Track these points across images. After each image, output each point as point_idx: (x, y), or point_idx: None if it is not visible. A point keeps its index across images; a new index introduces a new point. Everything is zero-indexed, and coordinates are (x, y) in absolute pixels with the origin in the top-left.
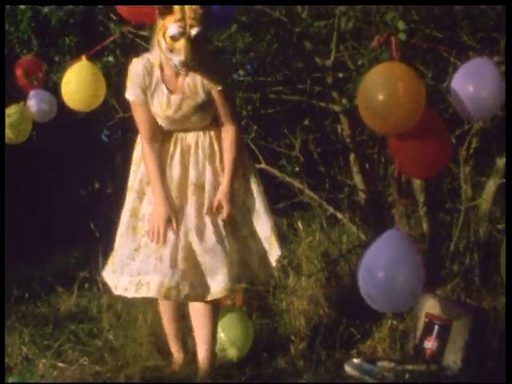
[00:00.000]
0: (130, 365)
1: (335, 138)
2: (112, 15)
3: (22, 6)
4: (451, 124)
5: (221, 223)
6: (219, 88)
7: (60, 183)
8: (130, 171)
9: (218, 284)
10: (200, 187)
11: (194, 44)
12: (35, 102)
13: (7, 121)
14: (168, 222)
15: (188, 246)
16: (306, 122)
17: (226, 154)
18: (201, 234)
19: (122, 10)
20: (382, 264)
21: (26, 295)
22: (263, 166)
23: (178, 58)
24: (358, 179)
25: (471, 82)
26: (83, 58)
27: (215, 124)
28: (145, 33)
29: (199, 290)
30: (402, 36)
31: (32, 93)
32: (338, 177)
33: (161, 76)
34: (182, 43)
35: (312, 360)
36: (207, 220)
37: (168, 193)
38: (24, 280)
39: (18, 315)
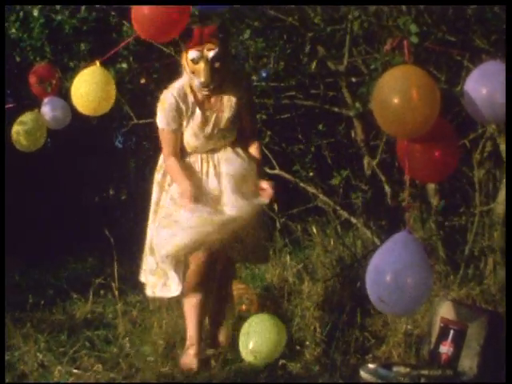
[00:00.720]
0: (145, 371)
1: (349, 143)
2: (125, 22)
3: (35, 13)
4: (465, 128)
5: None
6: (245, 100)
7: (75, 190)
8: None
9: None
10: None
11: (213, 65)
12: (49, 109)
13: (22, 128)
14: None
15: None
16: (320, 127)
17: (256, 157)
18: None
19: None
20: (391, 267)
21: (42, 302)
22: (277, 171)
23: (198, 80)
24: (372, 184)
25: (484, 86)
26: (97, 63)
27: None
28: None
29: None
30: (415, 39)
31: (46, 100)
32: (352, 181)
33: (194, 100)
34: (201, 66)
35: (327, 365)
36: None
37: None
38: (39, 287)
39: (33, 322)
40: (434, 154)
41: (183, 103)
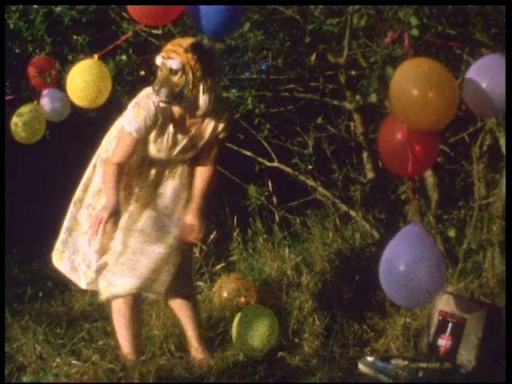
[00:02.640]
0: (144, 363)
1: (348, 136)
2: (124, 14)
3: (35, 6)
4: (464, 121)
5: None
6: (222, 136)
7: (73, 182)
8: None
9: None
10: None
11: (170, 77)
12: (48, 101)
13: (20, 120)
14: (112, 215)
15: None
16: (319, 120)
17: (202, 185)
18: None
19: (132, 11)
20: (402, 260)
21: (40, 294)
22: (276, 164)
23: (154, 88)
24: (371, 177)
25: (484, 79)
26: (95, 56)
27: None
28: (158, 31)
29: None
30: (415, 32)
31: (45, 92)
32: (351, 174)
33: (171, 115)
34: (161, 74)
35: (326, 358)
36: None
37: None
38: (38, 279)
39: (32, 314)
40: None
41: (160, 114)
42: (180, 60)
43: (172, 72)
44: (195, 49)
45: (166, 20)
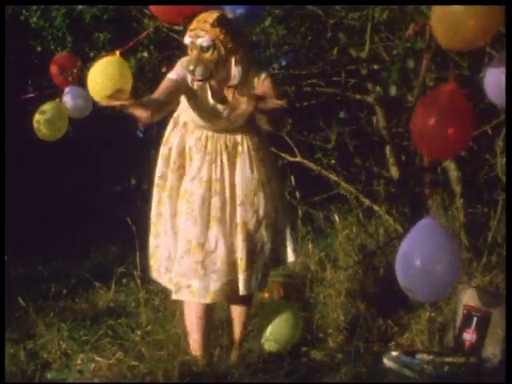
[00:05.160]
0: (168, 359)
1: (371, 130)
2: (146, 10)
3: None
4: (487, 114)
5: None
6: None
7: (96, 179)
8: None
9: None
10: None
11: (201, 54)
12: (70, 98)
13: (43, 118)
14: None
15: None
16: (342, 114)
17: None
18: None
19: (154, 9)
20: (419, 253)
21: (64, 291)
22: (299, 159)
23: (188, 68)
24: (394, 171)
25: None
26: (117, 53)
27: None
28: (179, 27)
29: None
30: None
31: (67, 89)
32: (374, 169)
33: (209, 85)
34: (193, 53)
35: (350, 353)
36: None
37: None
38: (62, 276)
39: (56, 311)
40: (448, 129)
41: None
42: (209, 36)
43: (203, 49)
44: (221, 22)
45: (184, 16)
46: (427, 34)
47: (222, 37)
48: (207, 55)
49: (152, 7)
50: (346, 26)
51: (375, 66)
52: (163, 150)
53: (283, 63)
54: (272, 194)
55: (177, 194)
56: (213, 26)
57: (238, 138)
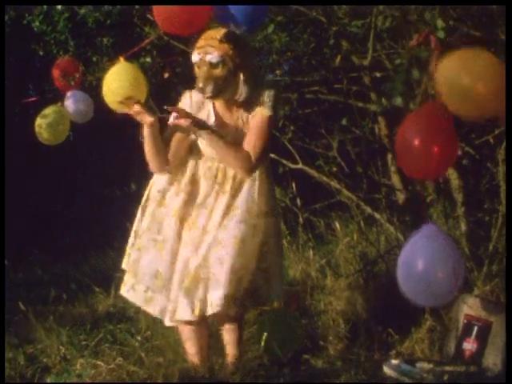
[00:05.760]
0: (167, 365)
1: (372, 138)
2: (149, 16)
3: (59, 7)
4: (489, 123)
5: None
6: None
7: (96, 184)
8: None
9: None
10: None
11: (211, 71)
12: (72, 103)
13: (44, 122)
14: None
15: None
16: (344, 121)
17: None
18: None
19: (159, 19)
20: (420, 259)
21: (64, 296)
22: (300, 166)
23: (197, 86)
24: (395, 179)
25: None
26: (121, 59)
27: None
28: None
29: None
30: (441, 34)
31: (69, 93)
32: (376, 177)
33: (213, 109)
34: (201, 70)
35: (350, 361)
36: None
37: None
38: (62, 281)
39: (55, 316)
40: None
41: (197, 109)
42: (218, 53)
43: (212, 66)
44: (229, 38)
45: (191, 30)
46: (432, 43)
47: (230, 52)
48: (217, 71)
49: (156, 18)
50: (349, 34)
51: (377, 74)
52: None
53: (285, 70)
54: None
55: (183, 218)
56: (221, 41)
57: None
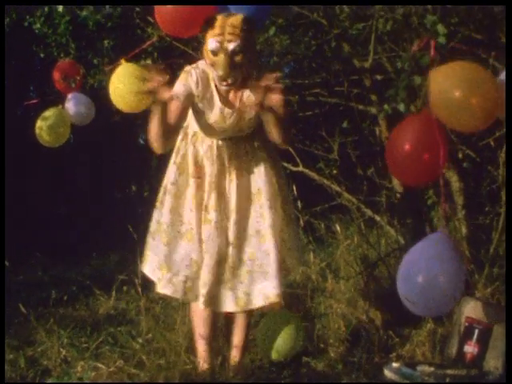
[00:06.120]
0: (168, 368)
1: (373, 141)
2: (150, 18)
3: (60, 10)
4: (490, 126)
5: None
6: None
7: (97, 186)
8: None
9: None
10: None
11: (233, 58)
12: (73, 105)
13: (45, 124)
14: None
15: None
16: (344, 124)
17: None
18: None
19: (160, 21)
20: (424, 267)
21: (65, 298)
22: (301, 168)
23: (216, 73)
24: (396, 182)
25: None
26: (122, 61)
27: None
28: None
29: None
30: (442, 40)
31: (70, 96)
32: (376, 179)
33: (215, 89)
34: (220, 58)
35: (351, 363)
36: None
37: None
38: (62, 283)
39: (56, 318)
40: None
41: (202, 85)
42: (240, 41)
43: (235, 53)
44: (249, 26)
45: (192, 31)
46: (432, 50)
47: (249, 39)
48: (237, 59)
49: (157, 19)
50: (350, 36)
51: (378, 77)
52: (175, 159)
53: (286, 72)
54: (281, 202)
55: (199, 203)
56: (241, 29)
57: (248, 146)
